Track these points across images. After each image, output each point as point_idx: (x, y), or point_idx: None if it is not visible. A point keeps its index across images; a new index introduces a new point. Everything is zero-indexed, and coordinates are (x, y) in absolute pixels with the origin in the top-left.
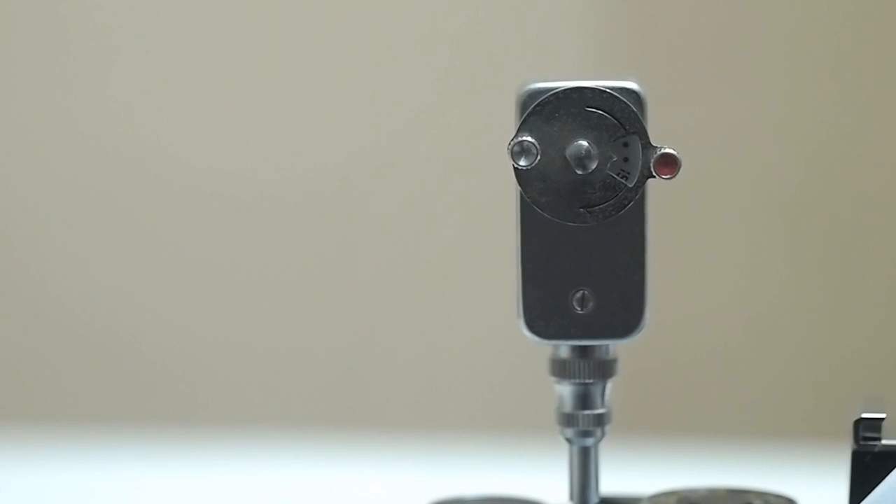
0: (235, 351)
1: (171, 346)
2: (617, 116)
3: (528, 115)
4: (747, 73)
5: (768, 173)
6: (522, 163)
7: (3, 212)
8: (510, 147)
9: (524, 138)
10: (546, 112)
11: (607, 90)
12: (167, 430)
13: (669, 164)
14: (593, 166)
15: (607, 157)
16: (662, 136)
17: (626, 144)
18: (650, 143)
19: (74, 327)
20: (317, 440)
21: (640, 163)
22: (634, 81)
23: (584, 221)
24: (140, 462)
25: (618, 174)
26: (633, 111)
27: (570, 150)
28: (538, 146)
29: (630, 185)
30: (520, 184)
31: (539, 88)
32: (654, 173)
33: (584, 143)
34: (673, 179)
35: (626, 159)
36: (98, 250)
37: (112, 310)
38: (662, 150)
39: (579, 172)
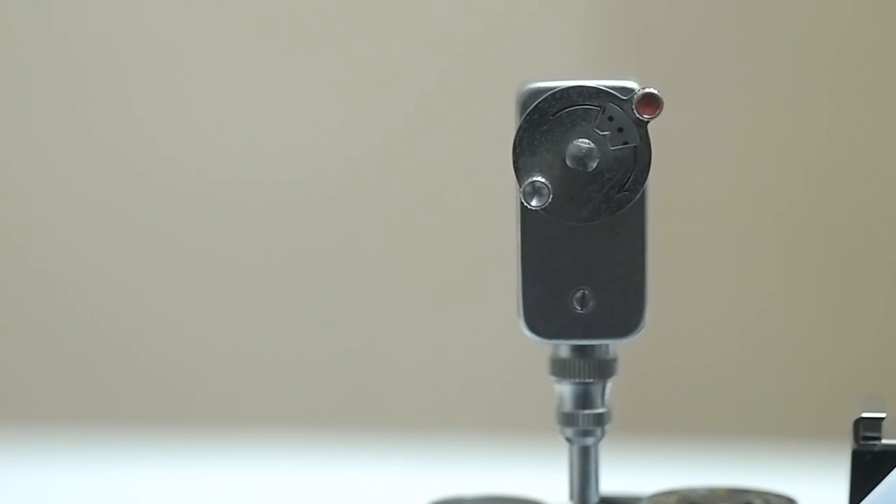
0: (235, 351)
1: (172, 347)
2: (581, 102)
3: (516, 159)
4: (747, 73)
5: (769, 172)
6: (535, 203)
7: (3, 213)
8: (522, 189)
9: (536, 179)
10: (525, 146)
11: (557, 90)
12: (167, 430)
13: (650, 103)
14: (598, 156)
15: (601, 138)
16: (662, 134)
17: (603, 111)
18: (623, 98)
19: (74, 327)
20: (317, 440)
21: (628, 117)
22: (634, 81)
23: (629, 201)
24: (140, 462)
25: (622, 143)
26: (590, 88)
27: (570, 159)
28: (549, 185)
29: (637, 143)
30: (554, 217)
31: (539, 88)
32: (639, 117)
33: (578, 144)
34: (657, 120)
35: (610, 118)
36: (98, 250)
37: (113, 310)
38: (639, 93)
39: (589, 169)
